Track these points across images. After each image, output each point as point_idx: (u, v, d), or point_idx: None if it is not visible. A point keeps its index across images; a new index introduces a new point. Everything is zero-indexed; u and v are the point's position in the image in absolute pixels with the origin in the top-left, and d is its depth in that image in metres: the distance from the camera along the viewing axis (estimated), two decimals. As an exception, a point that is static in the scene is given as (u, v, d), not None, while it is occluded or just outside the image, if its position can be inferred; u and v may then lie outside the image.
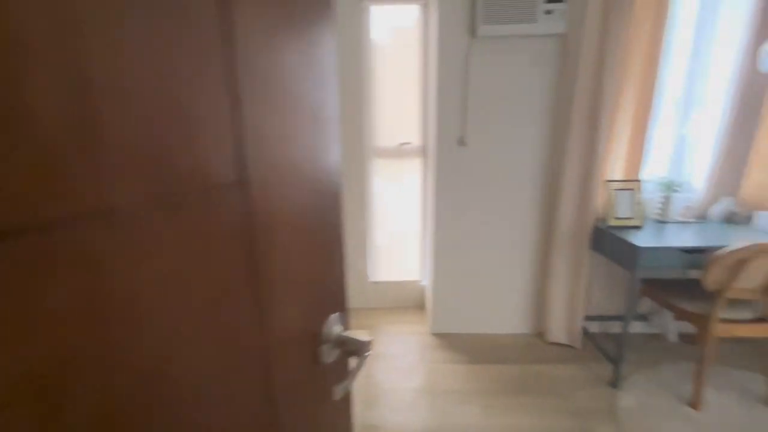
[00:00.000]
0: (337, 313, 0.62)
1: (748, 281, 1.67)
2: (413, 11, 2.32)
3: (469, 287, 2.37)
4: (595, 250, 2.11)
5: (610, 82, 1.91)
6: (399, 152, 2.54)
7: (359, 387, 1.94)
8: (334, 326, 0.60)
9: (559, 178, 2.08)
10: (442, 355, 2.21)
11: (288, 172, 0.46)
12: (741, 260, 1.62)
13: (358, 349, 0.58)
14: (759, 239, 1.76)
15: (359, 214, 2.60)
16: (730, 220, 2.08)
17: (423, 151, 2.53)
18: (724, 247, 1.71)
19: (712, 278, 1.68)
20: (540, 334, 2.40)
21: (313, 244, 0.54)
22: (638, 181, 2.02)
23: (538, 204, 2.22)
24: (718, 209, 2.08)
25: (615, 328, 2.40)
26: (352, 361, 0.61)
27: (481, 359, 2.17)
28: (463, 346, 2.30)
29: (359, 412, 1.78)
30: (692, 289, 1.94)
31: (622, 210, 2.02)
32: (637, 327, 2.40)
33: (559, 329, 2.27)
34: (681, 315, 1.85)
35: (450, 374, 2.05)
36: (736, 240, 1.77)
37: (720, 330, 1.73)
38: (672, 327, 2.28)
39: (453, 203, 2.23)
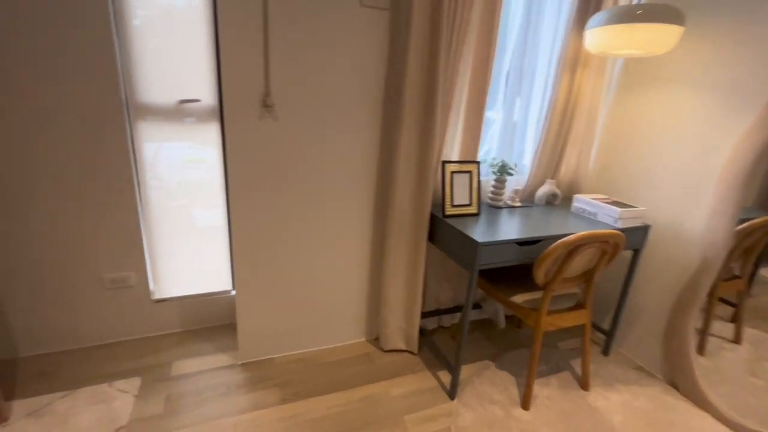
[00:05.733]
0: None
1: (571, 271, 1.58)
2: None
3: (287, 296, 1.82)
4: (431, 241, 1.81)
5: (445, 59, 1.55)
6: (180, 113, 1.73)
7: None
8: None
9: (393, 158, 1.67)
10: (250, 400, 1.62)
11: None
12: (569, 252, 1.49)
13: None
14: (578, 226, 1.71)
15: (121, 206, 1.72)
16: (551, 203, 2.06)
17: (219, 114, 1.79)
18: (552, 237, 1.58)
19: (542, 272, 1.53)
20: (377, 341, 2.05)
21: None
22: (476, 163, 1.77)
23: (370, 189, 1.79)
24: (542, 192, 2.02)
25: (451, 319, 2.23)
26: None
27: (303, 392, 1.68)
28: (281, 377, 1.76)
29: None
30: (521, 278, 1.83)
31: (460, 196, 1.75)
32: (470, 315, 2.28)
33: (395, 334, 1.95)
34: (512, 309, 1.71)
35: (257, 429, 1.48)
36: (561, 227, 1.68)
37: (547, 323, 1.63)
38: (501, 314, 2.23)
39: (259, 187, 1.60)
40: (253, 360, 1.84)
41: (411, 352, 1.97)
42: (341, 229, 1.80)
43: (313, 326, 1.92)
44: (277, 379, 1.75)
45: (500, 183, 1.89)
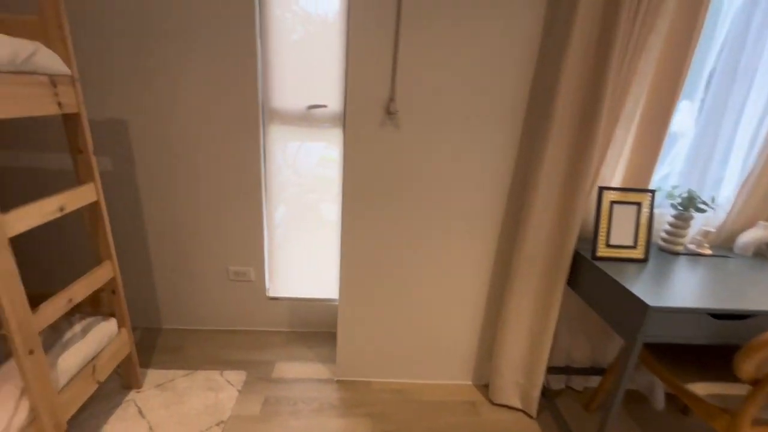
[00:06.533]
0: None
1: (806, 370, 1.04)
2: None
3: (391, 318, 1.66)
4: (571, 285, 1.43)
5: (620, 54, 1.17)
6: (307, 118, 1.73)
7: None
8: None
9: (532, 179, 1.36)
10: (340, 426, 1.51)
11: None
12: (810, 344, 0.97)
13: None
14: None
15: (249, 205, 1.81)
16: (762, 254, 1.45)
17: (343, 120, 1.73)
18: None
19: (752, 364, 1.03)
20: (486, 388, 1.75)
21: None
22: (650, 192, 1.33)
23: (499, 214, 1.50)
24: (748, 239, 1.43)
25: (584, 381, 1.78)
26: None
27: (396, 433, 1.50)
28: (375, 406, 1.61)
29: None
30: (705, 356, 1.31)
31: (620, 233, 1.33)
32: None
33: (510, 387, 1.62)
34: (686, 399, 1.22)
35: (342, 464, 1.36)
36: (793, 301, 1.12)
37: (750, 438, 1.10)
38: (660, 390, 1.68)
39: (373, 198, 1.48)
40: (350, 379, 1.75)
41: (527, 414, 1.62)
42: (458, 254, 1.56)
43: (416, 356, 1.73)
44: (371, 407, 1.61)
45: (683, 220, 1.39)
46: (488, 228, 1.52)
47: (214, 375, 1.71)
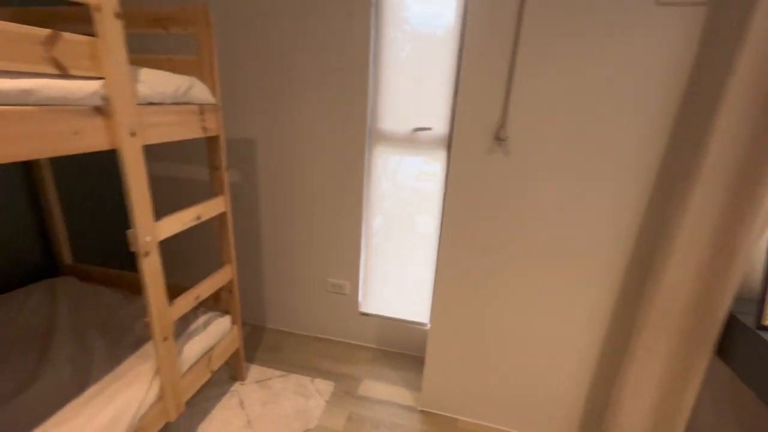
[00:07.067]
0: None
1: None
2: None
3: (484, 356, 1.54)
4: (722, 356, 1.14)
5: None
6: (412, 140, 1.74)
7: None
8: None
9: (671, 226, 1.14)
10: (420, 461, 1.44)
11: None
12: None
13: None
14: None
15: (349, 224, 1.88)
16: None
17: (448, 143, 1.70)
18: None
19: None
20: (591, 454, 1.51)
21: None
22: None
23: (621, 258, 1.29)
24: None
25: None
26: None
27: (481, 485, 1.37)
28: (460, 449, 1.50)
29: None
30: None
31: (802, 300, 1.02)
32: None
33: (625, 462, 1.36)
34: None
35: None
36: None
37: None
38: None
39: (475, 227, 1.40)
40: (434, 412, 1.67)
41: (646, 501, 1.33)
42: (569, 294, 1.38)
43: (509, 401, 1.57)
44: (454, 448, 1.51)
45: None
46: (609, 269, 1.32)
47: (306, 381, 1.80)
